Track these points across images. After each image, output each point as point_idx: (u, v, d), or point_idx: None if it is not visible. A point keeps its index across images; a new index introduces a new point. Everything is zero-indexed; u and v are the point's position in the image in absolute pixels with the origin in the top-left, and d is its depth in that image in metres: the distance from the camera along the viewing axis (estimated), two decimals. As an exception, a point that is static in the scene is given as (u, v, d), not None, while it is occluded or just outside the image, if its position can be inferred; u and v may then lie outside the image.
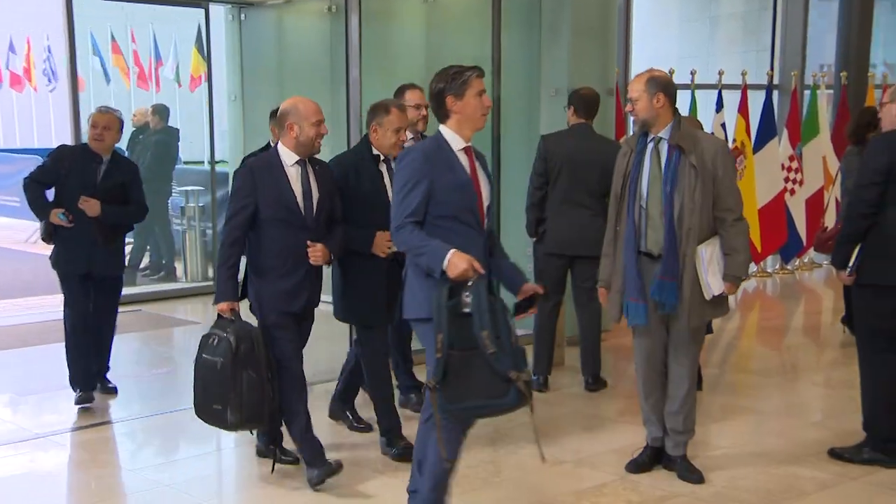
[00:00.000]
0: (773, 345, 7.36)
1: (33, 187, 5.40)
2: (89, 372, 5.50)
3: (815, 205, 9.41)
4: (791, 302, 9.11)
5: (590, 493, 4.25)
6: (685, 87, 8.81)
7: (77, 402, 5.41)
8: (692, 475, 4.37)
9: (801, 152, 9.42)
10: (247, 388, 4.01)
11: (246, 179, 4.18)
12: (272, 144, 5.47)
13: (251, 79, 9.21)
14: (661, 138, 4.18)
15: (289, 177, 4.20)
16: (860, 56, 9.37)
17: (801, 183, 9.39)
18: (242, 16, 9.16)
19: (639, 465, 4.48)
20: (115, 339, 5.74)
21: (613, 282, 4.35)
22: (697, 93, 8.85)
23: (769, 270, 9.83)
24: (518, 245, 5.96)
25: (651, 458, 4.50)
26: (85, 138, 5.67)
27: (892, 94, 4.57)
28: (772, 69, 10.00)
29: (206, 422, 4.19)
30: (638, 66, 9.91)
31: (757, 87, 9.33)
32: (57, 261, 5.45)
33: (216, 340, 4.08)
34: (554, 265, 5.75)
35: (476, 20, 7.15)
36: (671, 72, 8.49)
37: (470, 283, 3.40)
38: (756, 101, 9.18)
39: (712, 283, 4.15)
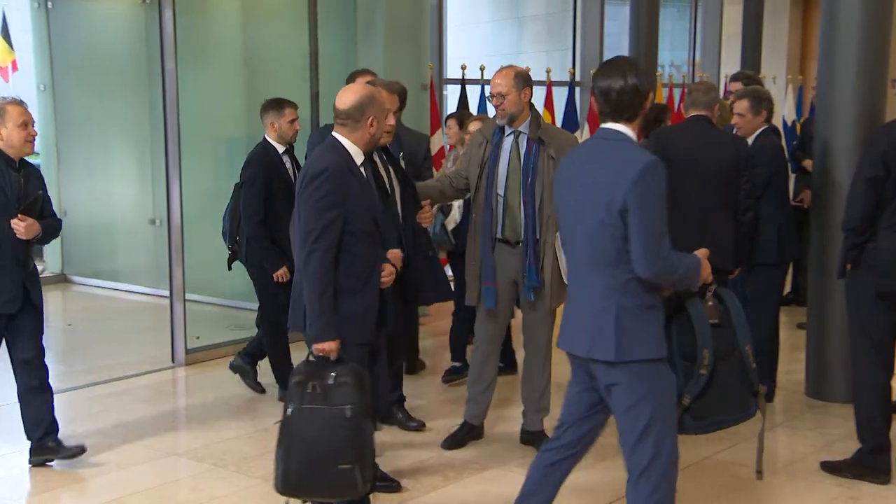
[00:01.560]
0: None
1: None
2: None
3: (613, 193, 9.88)
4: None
5: (408, 470, 4.31)
6: (495, 83, 9.05)
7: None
8: None
9: (601, 144, 9.86)
10: (370, 440, 3.29)
11: (333, 184, 3.33)
12: (267, 139, 5.21)
13: (62, 68, 8.72)
14: (521, 132, 4.21)
15: (367, 180, 3.51)
16: (649, 57, 9.88)
17: (600, 173, 9.84)
18: (49, 3, 8.64)
19: (455, 441, 4.56)
20: None
21: (470, 267, 4.39)
22: (506, 88, 9.09)
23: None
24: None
25: (466, 434, 4.59)
26: None
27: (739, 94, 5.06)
28: (573, 67, 10.43)
29: (310, 496, 3.29)
30: (452, 62, 10.07)
31: (560, 83, 9.68)
32: None
33: (316, 388, 3.22)
34: None
35: (293, 14, 7.07)
36: (482, 68, 8.71)
37: (710, 291, 3.12)
38: (560, 96, 9.55)
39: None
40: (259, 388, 5.47)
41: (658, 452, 2.93)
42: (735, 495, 4.05)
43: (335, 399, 3.20)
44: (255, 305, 7.50)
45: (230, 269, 5.52)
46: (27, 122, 4.14)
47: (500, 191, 4.23)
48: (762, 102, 5.08)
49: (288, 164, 5.19)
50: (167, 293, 6.21)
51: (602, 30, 10.26)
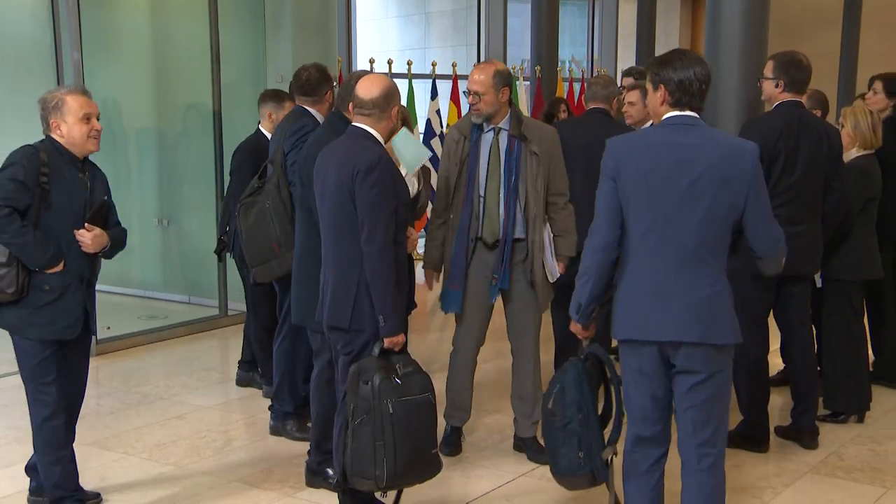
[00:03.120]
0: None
1: (13, 220, 3.27)
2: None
3: (517, 183, 10.01)
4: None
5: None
6: (402, 76, 9.04)
7: None
8: (543, 455, 4.01)
9: (505, 136, 9.96)
10: None
11: (387, 175, 3.20)
12: (261, 129, 5.00)
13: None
14: (500, 129, 3.95)
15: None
16: (550, 53, 10.03)
17: (505, 164, 9.94)
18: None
19: (454, 447, 4.25)
20: None
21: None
22: (414, 82, 9.10)
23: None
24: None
25: (459, 437, 4.30)
26: None
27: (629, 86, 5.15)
28: (478, 62, 10.49)
29: (406, 485, 3.29)
30: (361, 56, 10.02)
31: (466, 77, 9.71)
32: (37, 326, 3.41)
33: (397, 380, 3.15)
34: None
35: (200, 7, 6.92)
36: (390, 62, 8.69)
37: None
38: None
39: (555, 266, 4.06)
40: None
41: (724, 439, 2.97)
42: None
43: (415, 388, 3.17)
44: (167, 295, 7.39)
45: (220, 259, 5.32)
46: (90, 115, 3.44)
47: (482, 191, 3.95)
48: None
49: None
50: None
51: (505, 26, 10.36)
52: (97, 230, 3.44)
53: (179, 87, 7.26)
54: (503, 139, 3.94)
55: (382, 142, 3.33)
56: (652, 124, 3.10)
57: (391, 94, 3.33)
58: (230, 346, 6.27)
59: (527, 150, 3.95)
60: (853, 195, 4.44)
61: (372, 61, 8.25)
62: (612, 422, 3.20)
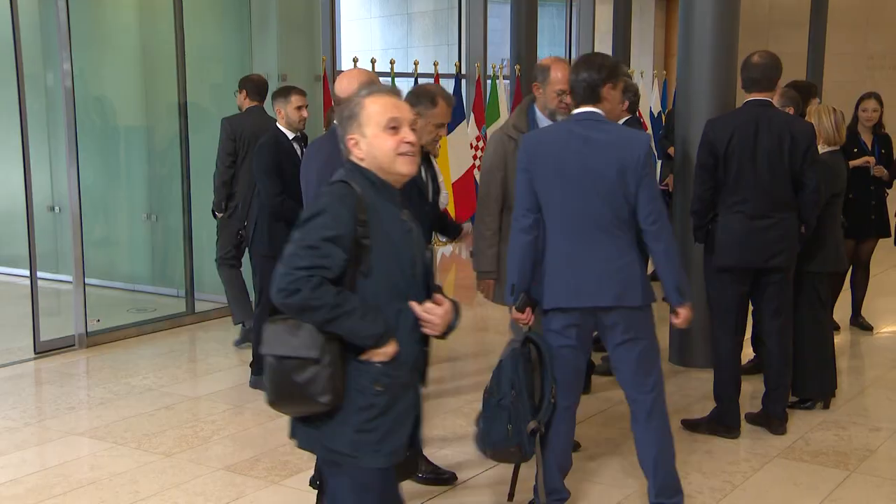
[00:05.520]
0: (467, 300, 7.79)
1: (326, 290, 2.16)
2: None
3: (497, 179, 9.98)
4: (480, 262, 9.63)
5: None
6: (385, 75, 9.01)
7: None
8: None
9: (486, 133, 9.96)
10: None
11: None
12: (278, 126, 4.85)
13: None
14: None
15: None
16: (529, 52, 10.03)
17: (486, 160, 9.93)
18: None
19: None
20: None
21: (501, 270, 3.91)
22: (396, 80, 9.08)
23: (462, 236, 10.32)
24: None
25: None
26: None
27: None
28: (459, 61, 10.48)
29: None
30: (345, 55, 9.99)
31: (447, 76, 9.72)
32: (365, 451, 2.27)
33: None
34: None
35: (189, 9, 6.86)
36: (373, 61, 8.67)
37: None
38: (447, 88, 9.56)
39: None
40: None
41: (660, 379, 3.33)
42: (608, 450, 4.17)
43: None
44: (155, 288, 7.34)
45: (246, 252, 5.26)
46: (398, 122, 2.29)
47: None
48: (625, 94, 5.23)
49: (299, 152, 4.82)
50: (67, 278, 5.98)
51: (485, 26, 10.35)
52: (447, 303, 2.34)
53: (166, 85, 7.21)
54: None
55: None
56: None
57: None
58: (212, 339, 6.24)
59: None
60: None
61: (356, 60, 8.22)
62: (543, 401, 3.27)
